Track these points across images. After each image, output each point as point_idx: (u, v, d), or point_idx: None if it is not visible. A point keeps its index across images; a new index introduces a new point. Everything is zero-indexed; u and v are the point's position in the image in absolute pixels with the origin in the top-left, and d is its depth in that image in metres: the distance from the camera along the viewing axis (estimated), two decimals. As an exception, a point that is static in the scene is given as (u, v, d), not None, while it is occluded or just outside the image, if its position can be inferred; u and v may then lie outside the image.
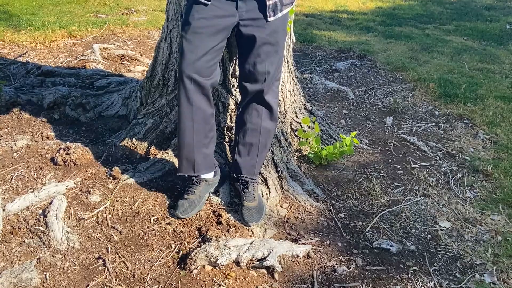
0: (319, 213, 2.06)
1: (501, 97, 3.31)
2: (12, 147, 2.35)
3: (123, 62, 3.88)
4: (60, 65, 3.62)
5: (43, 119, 2.65)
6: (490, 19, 5.53)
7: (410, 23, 5.43)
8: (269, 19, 1.89)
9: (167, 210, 1.98)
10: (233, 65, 2.36)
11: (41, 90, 2.90)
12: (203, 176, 2.04)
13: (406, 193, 2.25)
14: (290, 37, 2.61)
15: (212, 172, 2.08)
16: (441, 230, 2.00)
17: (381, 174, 2.39)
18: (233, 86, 2.41)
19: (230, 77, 2.40)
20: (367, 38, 4.86)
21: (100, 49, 3.99)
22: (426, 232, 1.98)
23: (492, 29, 5.11)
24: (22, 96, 2.82)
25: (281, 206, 2.11)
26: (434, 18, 5.64)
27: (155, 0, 6.21)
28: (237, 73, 2.29)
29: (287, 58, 2.61)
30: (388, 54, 4.27)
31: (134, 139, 2.48)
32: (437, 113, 3.14)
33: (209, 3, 1.85)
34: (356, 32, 5.09)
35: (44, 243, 1.76)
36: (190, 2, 1.92)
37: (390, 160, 2.54)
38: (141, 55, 4.06)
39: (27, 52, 3.86)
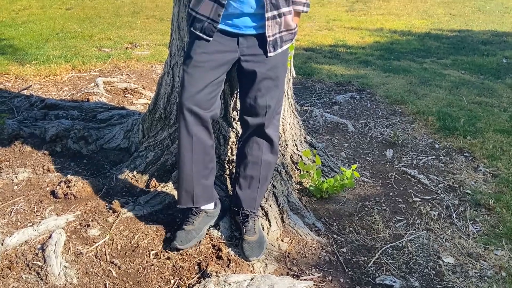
0: (321, 248, 2.04)
1: (500, 130, 3.33)
2: (13, 180, 2.35)
3: (126, 95, 3.93)
4: (64, 98, 3.67)
5: (45, 152, 2.67)
6: (487, 54, 5.63)
7: (408, 57, 5.54)
8: (269, 54, 1.94)
9: (166, 244, 1.96)
10: (234, 99, 2.39)
11: (44, 123, 2.93)
12: (202, 207, 2.03)
13: (408, 227, 2.23)
14: (290, 71, 2.66)
15: (212, 204, 2.07)
16: (444, 265, 1.97)
17: (382, 208, 2.38)
18: (234, 119, 2.44)
19: (231, 111, 2.43)
20: (366, 71, 4.94)
21: (103, 82, 4.05)
22: (429, 268, 1.95)
23: (489, 63, 5.20)
24: (25, 129, 2.84)
25: (282, 240, 2.09)
26: (432, 53, 5.75)
27: (158, 35, 6.35)
28: (238, 106, 2.32)
29: (287, 92, 2.65)
30: (387, 87, 4.32)
31: (135, 172, 2.49)
32: (437, 146, 3.15)
33: (211, 39, 1.90)
34: (355, 66, 5.18)
35: (41, 279, 1.73)
36: (192, 37, 1.97)
37: (391, 193, 2.53)
38: (143, 88, 4.12)
39: (31, 85, 3.92)
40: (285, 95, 2.59)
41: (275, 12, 1.89)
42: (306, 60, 5.46)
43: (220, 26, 1.89)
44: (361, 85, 4.41)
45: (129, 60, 5.00)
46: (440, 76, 4.70)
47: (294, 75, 2.79)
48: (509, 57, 5.48)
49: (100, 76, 4.29)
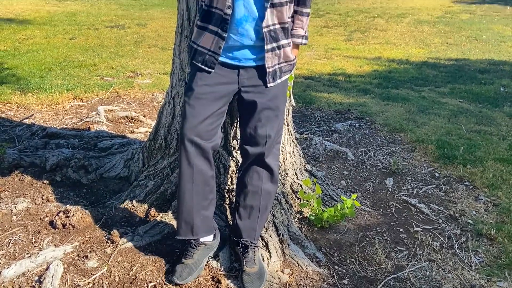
0: (322, 280, 2.01)
1: (500, 159, 3.34)
2: (12, 210, 2.34)
3: (127, 124, 3.96)
4: (65, 127, 3.69)
5: (45, 181, 2.66)
6: (484, 82, 5.70)
7: (406, 86, 5.60)
8: (269, 85, 1.97)
9: (164, 276, 1.93)
10: (234, 128, 2.41)
11: (45, 152, 2.94)
12: (202, 240, 2.02)
13: (410, 258, 2.20)
14: (290, 101, 2.69)
15: (212, 235, 2.05)
16: (447, 297, 1.94)
17: (384, 238, 2.36)
18: (234, 148, 2.45)
19: (231, 140, 2.44)
20: (365, 99, 4.98)
21: (105, 111, 4.09)
22: (432, 300, 1.92)
23: (487, 91, 5.26)
24: (25, 158, 2.85)
25: (283, 272, 2.07)
26: (429, 81, 5.81)
27: (160, 64, 6.44)
28: (238, 136, 2.34)
29: (287, 121, 2.67)
30: (386, 115, 4.36)
31: (134, 201, 2.48)
32: (437, 174, 3.15)
33: (212, 71, 1.93)
34: (353, 94, 5.23)
35: (37, 312, 1.70)
36: (194, 69, 2.00)
37: (392, 223, 2.52)
38: (144, 116, 4.15)
39: (33, 114, 3.95)
40: (285, 124, 2.61)
41: (274, 45, 1.94)
42: (306, 88, 5.52)
43: (220, 58, 1.93)
44: (360, 113, 4.44)
45: (131, 89, 5.05)
46: (439, 104, 4.74)
47: (294, 104, 2.82)
48: (507, 86, 5.54)
49: (101, 105, 4.33)
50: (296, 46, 2.06)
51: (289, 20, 1.99)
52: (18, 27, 8.62)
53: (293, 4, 1.99)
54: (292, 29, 2.02)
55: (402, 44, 8.25)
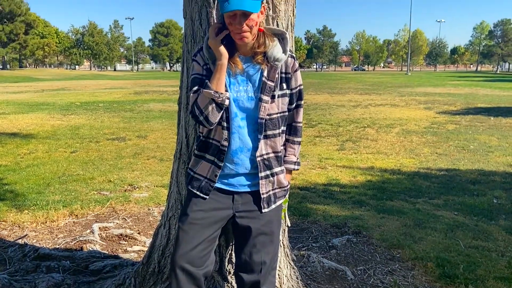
0: None
1: (501, 278, 3.26)
2: None
3: (121, 242, 3.90)
4: (58, 246, 3.64)
5: (32, 310, 2.55)
6: (477, 194, 5.79)
7: (400, 197, 5.66)
8: (263, 210, 2.01)
9: None
10: (230, 251, 2.39)
11: (35, 277, 2.85)
12: None
13: None
14: (285, 221, 2.71)
15: None
16: None
17: None
18: (229, 273, 2.40)
19: (227, 264, 2.41)
20: (361, 212, 5.00)
21: (99, 228, 4.06)
22: None
23: (480, 203, 5.31)
24: (14, 284, 2.76)
25: None
26: (423, 192, 5.90)
27: (158, 175, 6.56)
28: (233, 259, 2.31)
29: (283, 242, 2.65)
30: (383, 230, 4.34)
31: (124, 333, 2.35)
32: (439, 296, 3.04)
33: (207, 197, 1.99)
34: (349, 206, 5.26)
35: None
36: (189, 195, 2.06)
37: None
38: (139, 233, 4.11)
39: (27, 234, 3.91)
40: (281, 246, 2.60)
41: (268, 172, 2.02)
42: (301, 199, 5.56)
43: (216, 184, 2.00)
44: (356, 227, 4.42)
45: (127, 203, 5.08)
46: (434, 217, 4.75)
47: (289, 225, 2.83)
48: (499, 197, 5.61)
49: (96, 222, 4.31)
50: (289, 172, 2.15)
51: (282, 148, 2.11)
52: (22, 141, 8.93)
53: (285, 134, 2.12)
54: (284, 156, 2.13)
55: (393, 154, 8.52)
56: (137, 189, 5.83)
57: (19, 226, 4.10)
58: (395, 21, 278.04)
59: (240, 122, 1.98)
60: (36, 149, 8.18)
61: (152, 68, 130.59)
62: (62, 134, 10.10)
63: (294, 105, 2.11)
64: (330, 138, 10.26)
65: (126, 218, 4.59)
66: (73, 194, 5.31)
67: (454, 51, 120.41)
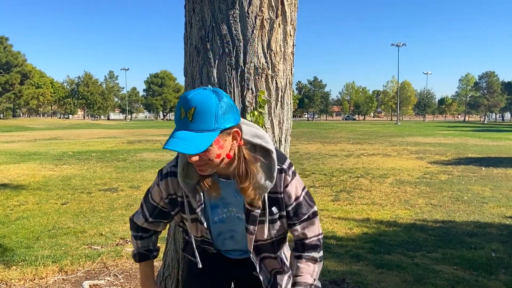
0: None
1: (508, 338, 3.15)
2: None
3: (112, 301, 3.75)
4: (46, 306, 3.48)
5: None
6: (475, 247, 5.72)
7: (398, 251, 5.57)
8: None
9: None
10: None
11: None
12: None
13: None
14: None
15: None
16: None
17: None
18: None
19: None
20: (359, 267, 4.89)
21: (89, 286, 3.91)
22: None
23: (479, 257, 5.24)
24: None
25: None
26: (420, 245, 5.82)
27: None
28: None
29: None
30: (383, 286, 4.23)
31: None
32: None
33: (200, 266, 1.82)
34: (347, 261, 5.15)
35: None
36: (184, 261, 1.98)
37: None
38: (130, 291, 3.96)
39: (14, 292, 3.76)
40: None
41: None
42: (297, 254, 5.45)
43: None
44: (356, 283, 4.31)
45: (119, 258, 4.93)
46: (433, 272, 4.66)
47: (289, 284, 2.75)
48: (497, 250, 5.55)
49: (87, 279, 4.16)
50: None
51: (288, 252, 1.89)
52: (12, 192, 8.78)
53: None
54: (295, 275, 1.72)
55: (388, 205, 8.48)
56: (129, 243, 5.69)
57: (6, 284, 3.93)
58: (383, 72, 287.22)
59: (226, 236, 1.77)
60: (26, 201, 8.03)
61: (146, 117, 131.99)
62: (54, 184, 9.96)
63: (296, 223, 1.67)
64: (324, 189, 10.23)
65: (117, 274, 4.44)
66: (63, 248, 5.16)
67: (442, 101, 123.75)
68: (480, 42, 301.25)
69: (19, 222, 6.38)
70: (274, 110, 2.34)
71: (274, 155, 1.57)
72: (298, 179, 1.66)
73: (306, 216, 1.66)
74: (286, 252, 1.90)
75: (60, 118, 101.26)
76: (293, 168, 1.65)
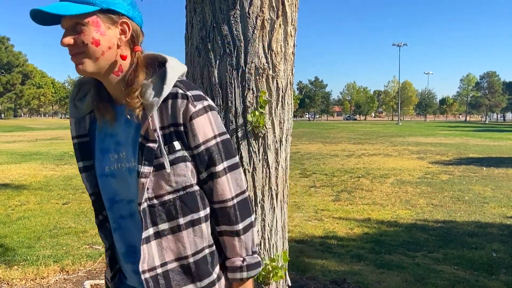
0: None
1: (509, 338, 3.15)
2: None
3: (113, 300, 3.76)
4: (47, 306, 3.49)
5: None
6: (475, 247, 5.72)
7: (399, 251, 5.57)
8: None
9: None
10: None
11: None
12: None
13: None
14: (286, 280, 2.64)
15: None
16: None
17: None
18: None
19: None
20: (359, 267, 4.89)
21: (91, 286, 3.92)
22: None
23: (480, 257, 5.24)
24: None
25: None
26: (421, 245, 5.82)
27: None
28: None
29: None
30: (383, 286, 4.23)
31: None
32: None
33: None
34: (347, 261, 5.15)
35: None
36: None
37: None
38: (132, 291, 3.97)
39: (15, 292, 3.77)
40: (281, 307, 2.51)
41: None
42: (299, 254, 5.45)
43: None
44: (356, 283, 4.31)
45: (120, 258, 4.94)
46: (434, 272, 4.66)
47: (290, 284, 2.75)
48: (498, 250, 5.55)
49: (88, 278, 4.17)
50: (236, 283, 1.38)
51: (205, 245, 1.34)
52: (13, 192, 8.80)
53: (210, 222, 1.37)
54: (225, 259, 1.38)
55: (389, 205, 8.48)
56: (130, 242, 5.70)
57: (8, 283, 3.95)
58: (384, 72, 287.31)
59: (122, 210, 1.35)
60: (27, 201, 8.04)
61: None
62: (55, 184, 9.98)
63: (205, 175, 1.30)
64: (325, 189, 10.23)
65: (118, 274, 4.45)
66: (64, 248, 5.17)
67: (443, 101, 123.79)
68: (481, 42, 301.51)
69: (21, 222, 6.39)
70: (275, 110, 2.34)
71: (169, 65, 1.27)
72: (212, 118, 1.29)
73: (215, 169, 1.29)
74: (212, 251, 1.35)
75: (61, 118, 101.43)
76: (207, 102, 1.29)
